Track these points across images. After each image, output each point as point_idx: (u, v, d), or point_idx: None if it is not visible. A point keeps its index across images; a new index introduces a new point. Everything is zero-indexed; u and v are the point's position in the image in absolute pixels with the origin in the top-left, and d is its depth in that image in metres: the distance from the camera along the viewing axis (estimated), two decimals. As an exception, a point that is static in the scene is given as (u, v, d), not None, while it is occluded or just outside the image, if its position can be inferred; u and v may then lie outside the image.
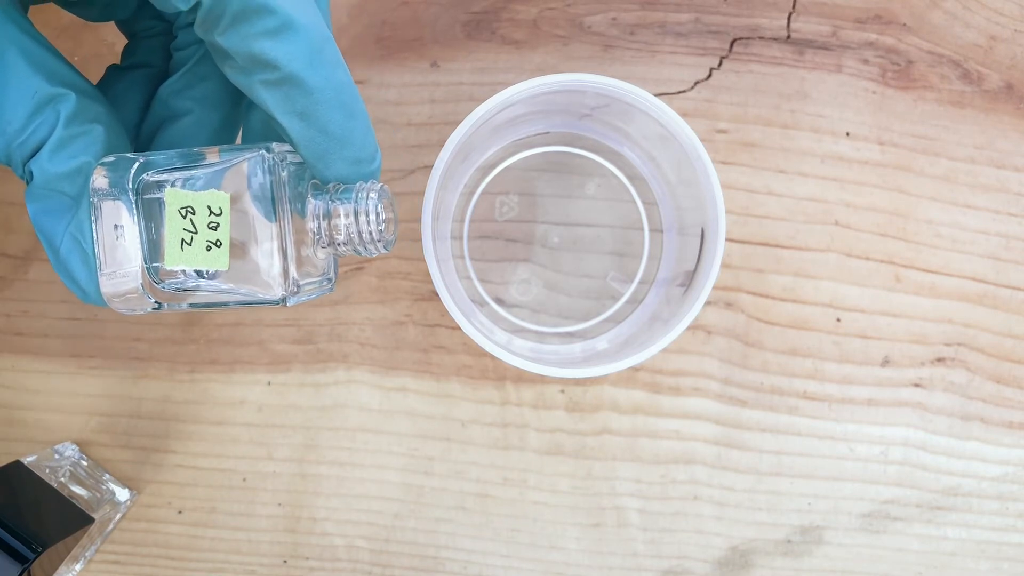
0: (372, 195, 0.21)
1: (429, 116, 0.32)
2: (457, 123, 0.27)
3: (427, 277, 0.32)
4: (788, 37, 0.32)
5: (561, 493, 0.32)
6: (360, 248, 0.21)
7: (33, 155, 0.21)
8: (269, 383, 0.33)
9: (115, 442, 0.33)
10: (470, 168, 0.32)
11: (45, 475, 0.30)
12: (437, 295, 0.31)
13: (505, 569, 0.32)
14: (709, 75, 0.32)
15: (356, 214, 0.21)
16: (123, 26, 0.25)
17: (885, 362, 0.32)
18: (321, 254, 0.22)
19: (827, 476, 0.32)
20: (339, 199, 0.21)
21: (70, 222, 0.21)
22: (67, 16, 0.33)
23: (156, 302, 0.21)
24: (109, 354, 0.33)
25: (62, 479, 0.30)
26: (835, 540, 0.32)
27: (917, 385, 0.32)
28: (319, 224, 0.21)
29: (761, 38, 0.32)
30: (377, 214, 0.21)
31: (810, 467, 0.32)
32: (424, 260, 0.29)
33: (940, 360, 0.32)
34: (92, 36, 0.33)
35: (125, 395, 0.33)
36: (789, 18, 0.32)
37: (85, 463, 0.32)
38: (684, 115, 0.32)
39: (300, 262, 0.21)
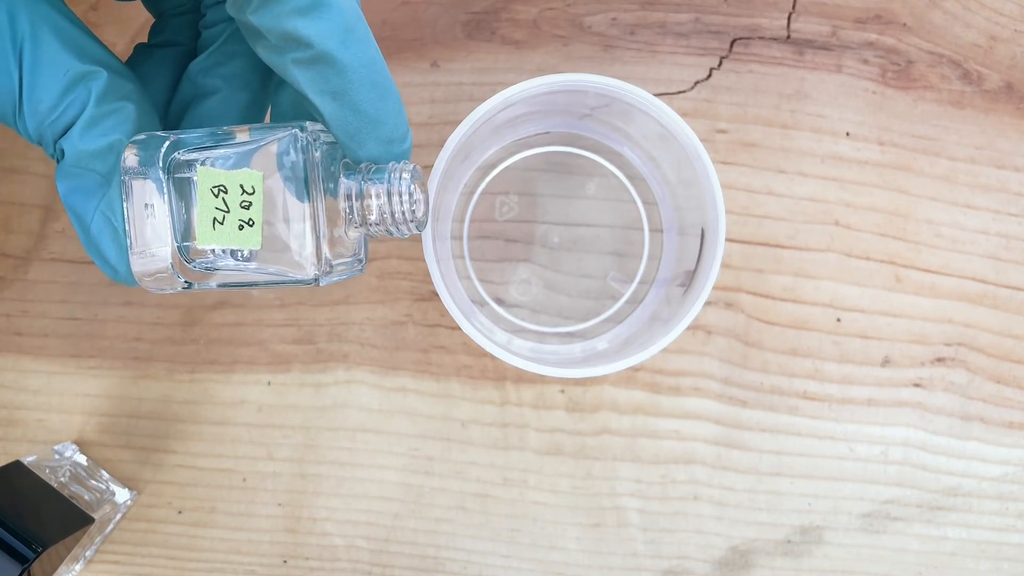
0: (405, 175, 0.21)
1: (429, 116, 0.32)
2: (457, 123, 0.27)
3: (427, 277, 0.32)
4: (788, 37, 0.32)
5: (561, 493, 0.32)
6: (392, 228, 0.21)
7: (64, 133, 0.21)
8: (269, 383, 0.33)
9: (115, 442, 0.33)
10: (470, 168, 0.32)
11: (45, 475, 0.30)
12: (437, 295, 0.31)
13: (505, 569, 0.32)
14: (709, 75, 0.32)
15: (389, 194, 0.21)
16: (150, 5, 0.25)
17: (885, 362, 0.32)
18: (353, 234, 0.22)
19: (827, 476, 0.32)
20: (372, 179, 0.21)
21: (101, 200, 0.21)
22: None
23: (187, 281, 0.21)
24: (109, 354, 0.33)
25: (62, 479, 0.30)
26: (835, 540, 0.32)
27: (917, 385, 0.32)
28: (351, 204, 0.21)
29: (761, 38, 0.32)
30: (410, 194, 0.21)
31: (810, 467, 0.32)
32: (424, 260, 0.29)
33: (940, 360, 0.32)
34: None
35: (125, 395, 0.33)
36: (789, 18, 0.32)
37: (85, 463, 0.32)
38: (684, 115, 0.32)
39: (332, 242, 0.21)
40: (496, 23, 0.32)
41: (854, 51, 0.32)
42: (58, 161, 0.21)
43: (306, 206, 0.20)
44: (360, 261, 0.23)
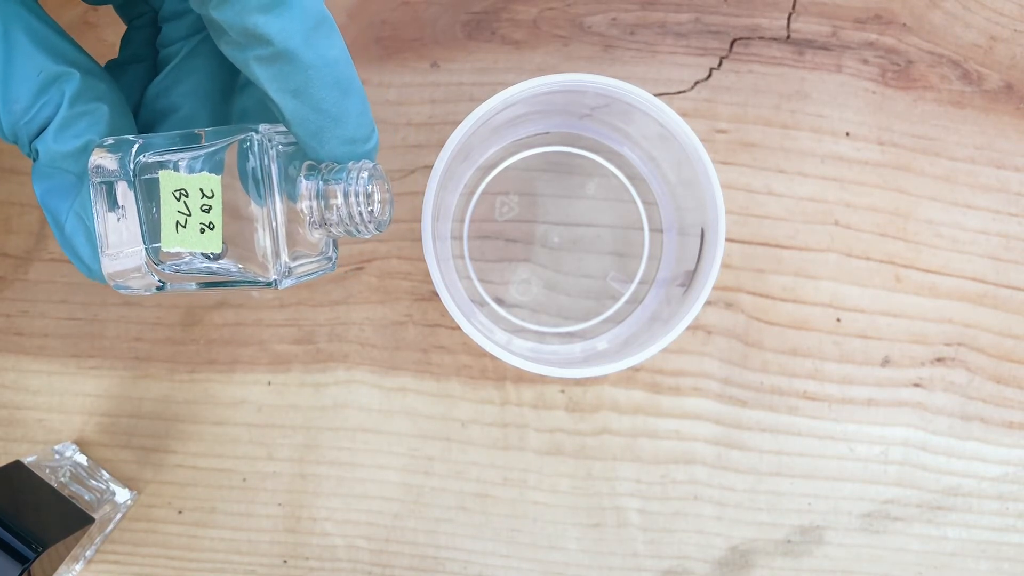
0: (363, 175, 0.20)
1: (429, 116, 0.32)
2: (457, 123, 0.27)
3: (427, 277, 0.32)
4: (788, 37, 0.32)
5: (561, 493, 0.32)
6: (352, 229, 0.21)
7: (39, 134, 0.21)
8: (269, 383, 0.33)
9: (115, 442, 0.33)
10: (470, 168, 0.32)
11: (45, 475, 0.30)
12: (437, 295, 0.31)
13: (505, 569, 0.32)
14: (709, 75, 0.32)
15: (347, 195, 0.20)
16: (121, 11, 0.25)
17: (885, 362, 0.32)
18: (316, 234, 0.21)
19: (827, 476, 0.32)
20: (331, 179, 0.21)
21: (74, 200, 0.21)
22: (68, 14, 0.33)
23: (160, 282, 0.21)
24: (109, 354, 0.33)
25: (62, 479, 0.30)
26: (835, 540, 0.32)
27: (917, 385, 0.32)
28: (311, 205, 0.21)
29: (761, 38, 0.32)
30: (369, 195, 0.20)
31: (810, 467, 0.32)
32: (424, 260, 0.29)
33: (940, 360, 0.32)
34: (92, 36, 0.33)
35: (125, 395, 0.33)
36: (789, 18, 0.32)
37: (85, 463, 0.32)
38: (684, 115, 0.32)
39: (294, 243, 0.20)
40: (496, 23, 0.32)
41: (854, 51, 0.32)
42: (33, 160, 0.21)
43: (261, 209, 0.20)
44: (329, 260, 0.22)
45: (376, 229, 0.21)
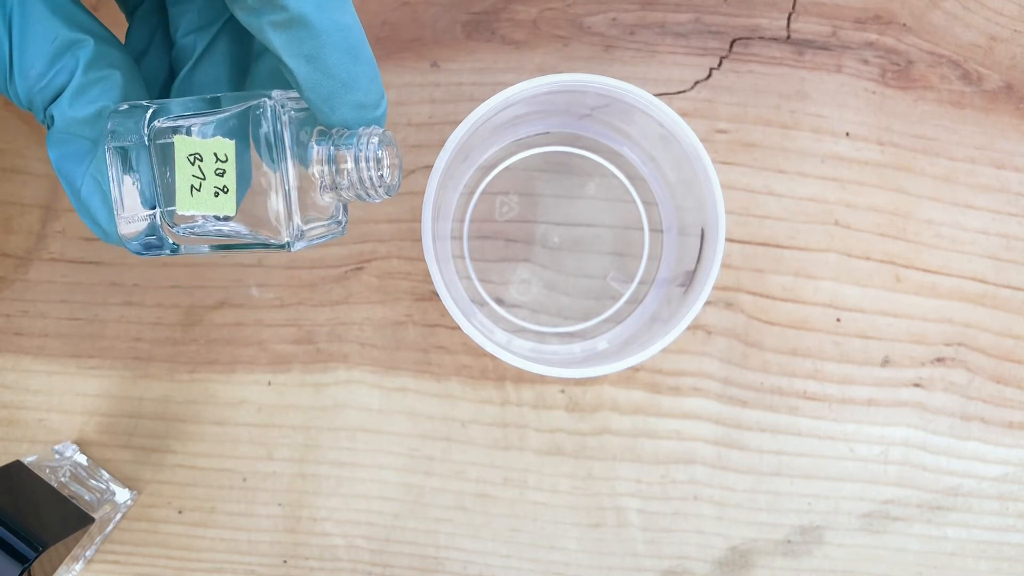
0: (374, 140, 0.21)
1: (429, 116, 0.32)
2: (457, 123, 0.27)
3: (427, 277, 0.32)
4: (788, 37, 0.32)
5: (561, 493, 0.32)
6: (363, 194, 0.21)
7: (53, 100, 0.21)
8: (269, 383, 0.33)
9: (115, 442, 0.33)
10: (470, 168, 0.32)
11: (45, 475, 0.30)
12: (437, 295, 0.31)
13: (505, 569, 0.32)
14: (709, 75, 0.32)
15: (358, 160, 0.21)
16: (122, 2, 0.25)
17: (885, 362, 0.32)
18: (326, 198, 0.22)
19: (827, 476, 0.32)
20: (342, 144, 0.21)
21: (90, 164, 0.22)
22: None
23: (174, 244, 0.21)
24: (109, 354, 0.33)
25: (62, 479, 0.30)
26: (835, 540, 0.32)
27: (917, 385, 0.32)
28: (322, 169, 0.21)
29: (761, 38, 0.32)
30: (379, 159, 0.21)
31: (810, 467, 0.32)
32: (424, 260, 0.29)
33: (940, 360, 0.32)
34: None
35: (125, 395, 0.33)
36: (789, 18, 0.32)
37: (85, 463, 0.32)
38: (684, 115, 0.32)
39: (305, 207, 0.21)
40: (496, 23, 0.32)
41: (854, 51, 0.32)
42: (48, 127, 0.22)
43: (275, 172, 0.20)
44: (339, 223, 0.23)
45: (386, 193, 0.22)
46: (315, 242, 0.22)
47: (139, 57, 0.25)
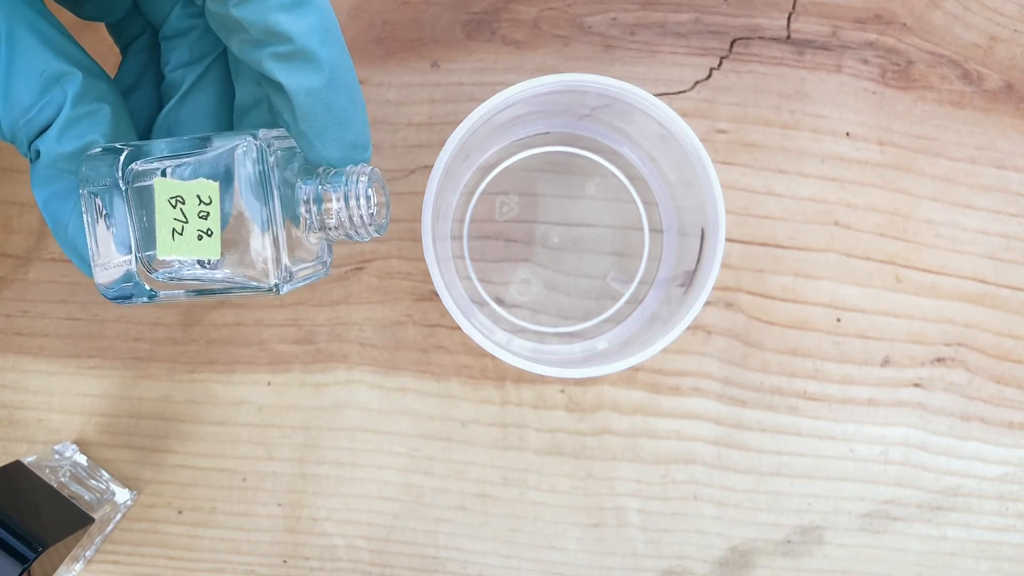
0: (363, 178, 0.21)
1: (429, 116, 0.32)
2: (457, 123, 0.27)
3: (427, 277, 0.32)
4: (788, 37, 0.32)
5: (561, 493, 0.32)
6: (352, 233, 0.21)
7: (39, 134, 0.21)
8: (269, 383, 0.33)
9: (115, 442, 0.33)
10: (470, 168, 0.32)
11: (45, 475, 0.30)
12: (437, 295, 0.31)
13: (505, 569, 0.32)
14: (709, 75, 0.32)
15: (347, 198, 0.21)
16: (114, 31, 0.25)
17: (885, 362, 0.32)
18: (313, 238, 0.21)
19: (827, 476, 0.32)
20: (330, 183, 0.21)
21: (77, 201, 0.21)
22: (66, 14, 0.32)
23: (151, 291, 0.21)
24: (109, 354, 0.33)
25: (62, 479, 0.30)
26: (835, 540, 0.32)
27: (917, 385, 0.32)
28: (310, 208, 0.21)
29: (761, 38, 0.32)
30: (368, 198, 0.21)
31: (810, 467, 0.32)
32: (424, 260, 0.29)
33: (940, 360, 0.32)
34: (94, 36, 0.33)
35: (125, 395, 0.33)
36: (789, 18, 0.32)
37: (85, 463, 0.32)
38: (684, 115, 0.32)
39: (292, 248, 0.21)
40: (496, 23, 0.32)
41: (854, 51, 0.32)
42: (32, 161, 0.21)
43: (263, 213, 0.20)
44: (324, 264, 0.22)
45: (376, 232, 0.21)
46: (300, 284, 0.21)
47: (129, 91, 0.24)
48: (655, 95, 0.27)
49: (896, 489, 0.32)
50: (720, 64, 0.32)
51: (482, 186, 0.32)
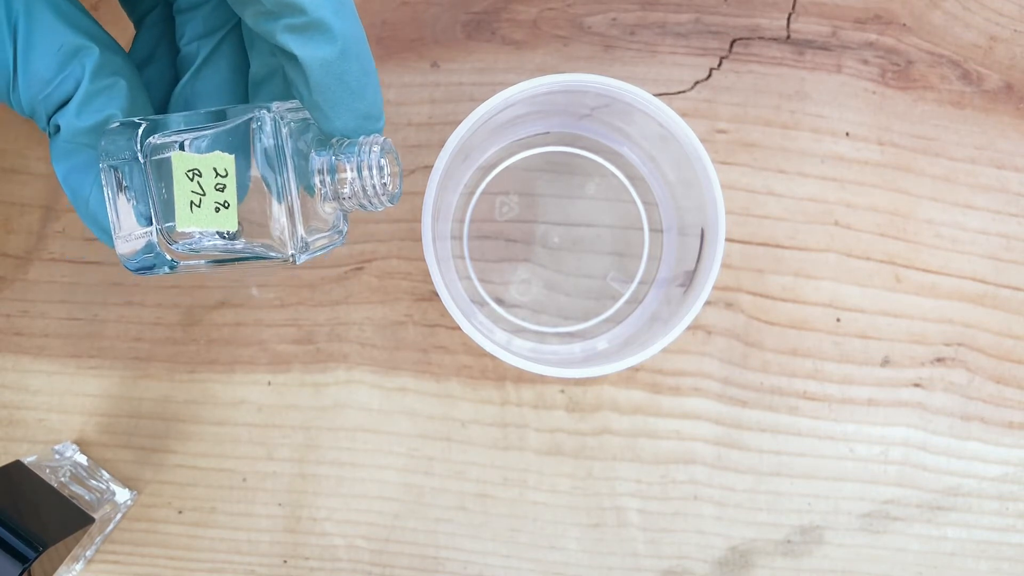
0: (375, 148, 0.21)
1: (429, 116, 0.32)
2: (457, 123, 0.27)
3: (427, 277, 0.32)
4: (788, 37, 0.32)
5: (561, 493, 0.32)
6: (365, 202, 0.21)
7: (58, 108, 0.21)
8: (269, 383, 0.33)
9: (115, 442, 0.33)
10: (470, 168, 0.32)
11: (45, 475, 0.30)
12: (437, 295, 0.31)
13: (505, 569, 0.32)
14: (709, 75, 0.32)
15: (360, 168, 0.21)
16: (128, 5, 0.25)
17: (885, 362, 0.32)
18: (328, 208, 0.22)
19: (827, 476, 0.32)
20: (343, 153, 0.21)
21: (97, 174, 0.21)
22: None
23: (172, 261, 0.21)
24: (109, 354, 0.33)
25: (62, 479, 0.30)
26: (835, 540, 0.32)
27: (917, 385, 0.32)
28: (324, 179, 0.21)
29: (761, 38, 0.32)
30: (381, 168, 0.21)
31: (810, 467, 0.32)
32: (424, 260, 0.29)
33: (940, 360, 0.32)
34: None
35: (125, 395, 0.33)
36: (789, 18, 0.32)
37: (85, 463, 0.32)
38: (684, 115, 0.32)
39: (307, 218, 0.21)
40: (496, 23, 0.32)
41: (854, 51, 0.32)
42: (51, 135, 0.22)
43: (276, 184, 0.20)
44: (340, 233, 0.23)
45: (389, 202, 0.22)
46: (317, 253, 0.22)
47: (144, 65, 0.24)
48: (655, 95, 0.27)
49: (896, 489, 0.32)
50: (720, 64, 0.32)
51: (482, 186, 0.32)
